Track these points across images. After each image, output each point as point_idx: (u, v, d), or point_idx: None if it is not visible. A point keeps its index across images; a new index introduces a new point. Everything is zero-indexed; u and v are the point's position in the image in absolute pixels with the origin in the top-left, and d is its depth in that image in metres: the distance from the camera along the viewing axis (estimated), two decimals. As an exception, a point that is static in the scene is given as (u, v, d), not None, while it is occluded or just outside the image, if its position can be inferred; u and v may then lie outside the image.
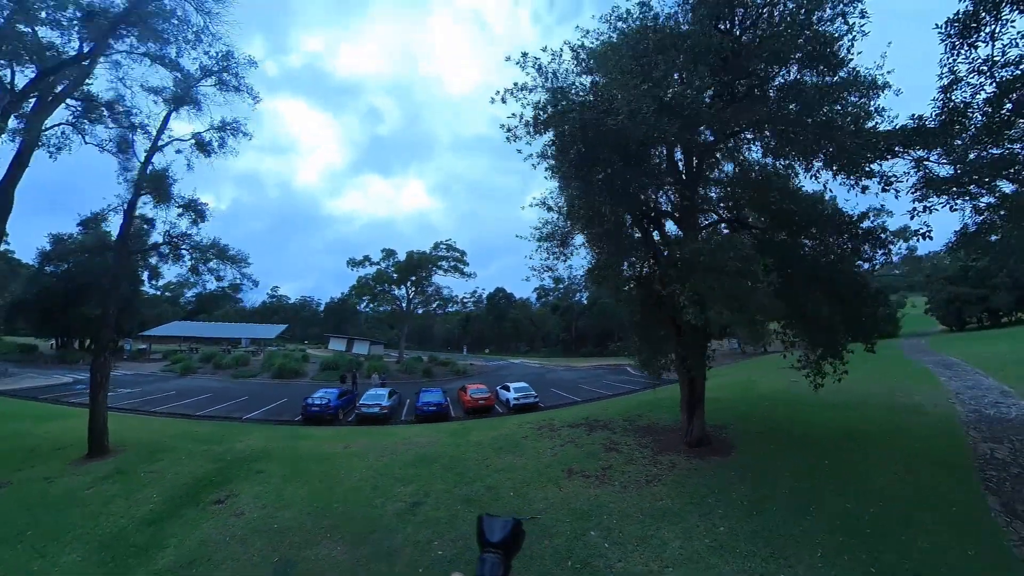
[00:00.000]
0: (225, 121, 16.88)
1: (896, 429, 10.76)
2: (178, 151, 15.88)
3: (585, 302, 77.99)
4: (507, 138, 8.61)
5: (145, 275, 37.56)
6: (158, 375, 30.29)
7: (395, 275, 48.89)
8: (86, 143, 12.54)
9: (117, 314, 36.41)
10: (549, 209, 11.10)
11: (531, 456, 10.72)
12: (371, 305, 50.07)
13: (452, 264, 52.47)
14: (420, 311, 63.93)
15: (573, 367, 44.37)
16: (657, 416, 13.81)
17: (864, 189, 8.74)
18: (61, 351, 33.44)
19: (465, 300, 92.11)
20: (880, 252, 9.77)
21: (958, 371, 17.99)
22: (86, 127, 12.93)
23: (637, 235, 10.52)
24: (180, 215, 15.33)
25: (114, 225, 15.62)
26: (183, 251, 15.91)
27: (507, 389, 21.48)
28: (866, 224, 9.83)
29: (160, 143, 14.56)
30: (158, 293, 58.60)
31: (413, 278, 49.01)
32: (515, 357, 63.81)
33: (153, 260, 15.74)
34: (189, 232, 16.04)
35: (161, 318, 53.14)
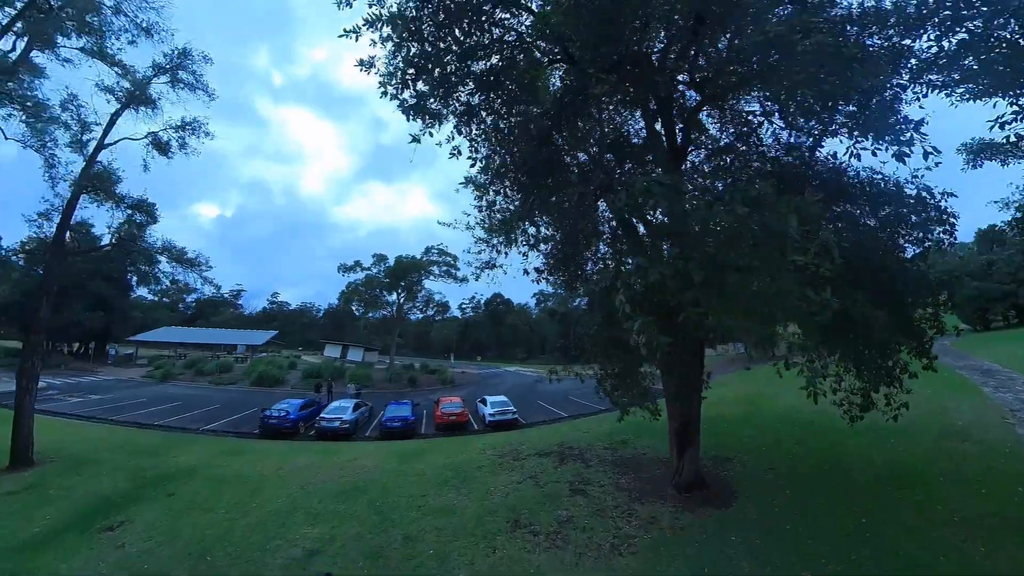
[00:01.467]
0: (185, 120, 16.51)
1: (952, 466, 8.36)
2: (154, 153, 15.40)
3: (584, 307, 76.73)
4: (381, 92, 6.56)
5: (133, 280, 37.38)
6: (137, 381, 29.88)
7: (386, 280, 48.36)
8: (7, 139, 11.96)
9: (101, 319, 36.06)
10: (479, 189, 9.17)
11: (477, 496, 9.02)
12: (364, 311, 49.36)
13: (444, 269, 51.83)
14: (415, 317, 63.53)
15: (568, 376, 43.13)
16: (645, 443, 11.91)
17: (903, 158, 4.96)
18: (44, 355, 33.33)
19: (464, 306, 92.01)
20: (940, 229, 6.90)
21: (1002, 379, 15.23)
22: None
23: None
24: (130, 216, 14.83)
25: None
26: (134, 255, 15.42)
27: (484, 403, 19.90)
28: (912, 190, 6.89)
29: (107, 142, 14.13)
30: (155, 298, 58.84)
31: (403, 283, 48.39)
32: (510, 364, 61.86)
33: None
34: (139, 234, 15.59)
35: (159, 323, 53.26)
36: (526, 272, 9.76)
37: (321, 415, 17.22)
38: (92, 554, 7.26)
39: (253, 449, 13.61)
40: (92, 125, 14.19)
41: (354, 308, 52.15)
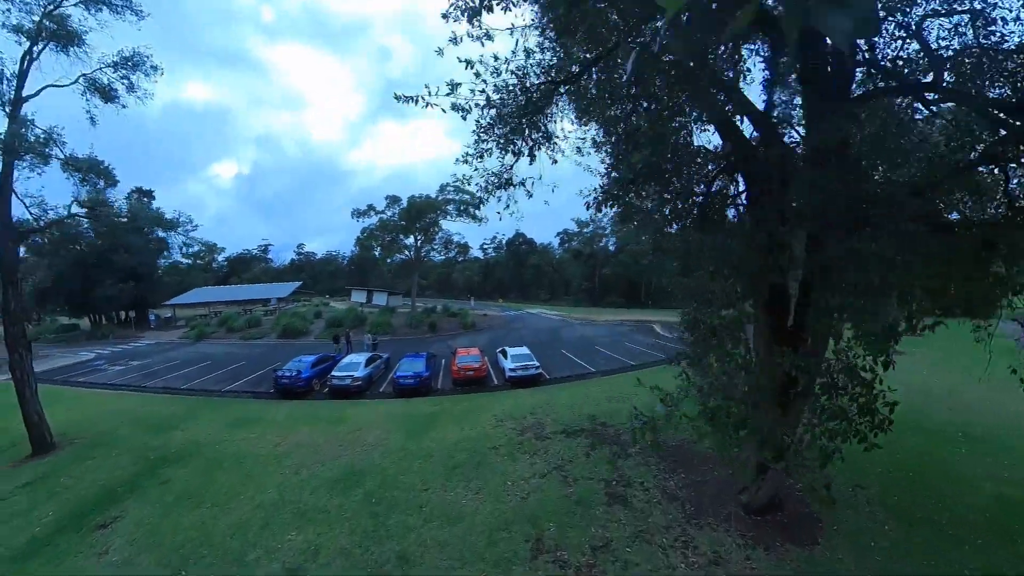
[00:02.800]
0: (124, 55, 13.86)
1: None
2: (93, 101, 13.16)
3: (612, 249, 72.74)
4: None
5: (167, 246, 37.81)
6: (175, 343, 31.22)
7: (402, 223, 46.43)
8: None
9: (133, 289, 37.20)
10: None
11: (491, 492, 7.60)
12: (381, 256, 48.53)
13: (462, 208, 48.97)
14: (437, 259, 62.50)
15: (594, 321, 39.77)
16: (700, 421, 10.00)
17: None
18: (93, 328, 35.47)
19: (485, 247, 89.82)
20: None
21: None
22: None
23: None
24: (83, 181, 13.16)
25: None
26: (104, 220, 14.10)
27: (505, 356, 18.32)
28: None
29: (27, 94, 11.96)
30: (189, 261, 60.64)
31: (419, 225, 46.35)
32: (533, 306, 60.16)
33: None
34: (103, 200, 14.08)
35: (195, 284, 55.38)
36: (598, 202, 6.25)
37: (333, 372, 16.55)
38: (78, 562, 6.79)
39: (260, 417, 13.19)
40: (11, 78, 12.03)
41: (376, 253, 51.36)
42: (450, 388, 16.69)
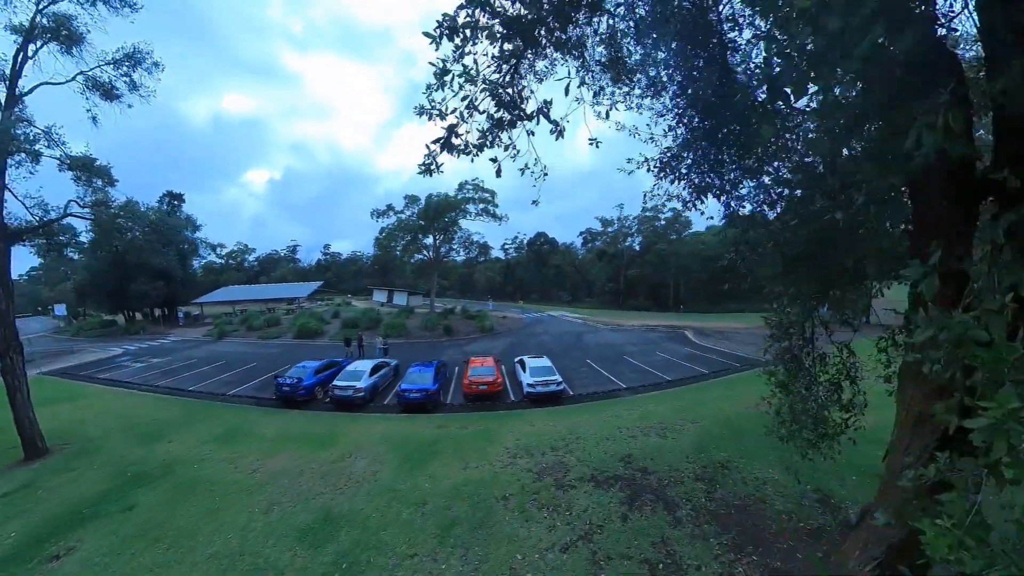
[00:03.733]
0: (124, 52, 13.60)
1: None
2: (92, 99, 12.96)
3: (637, 248, 69.73)
4: None
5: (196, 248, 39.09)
6: (198, 340, 31.93)
7: (421, 223, 45.96)
8: None
9: (164, 288, 38.68)
10: None
11: (495, 569, 5.98)
12: (401, 255, 48.32)
13: (481, 207, 48.01)
14: (458, 259, 61.94)
15: (620, 326, 37.02)
16: (757, 468, 8.37)
17: None
18: (128, 324, 37.17)
19: (507, 246, 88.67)
20: None
21: None
22: None
23: None
24: (78, 179, 12.96)
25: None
26: (105, 222, 13.88)
27: (523, 367, 16.42)
28: None
29: (20, 91, 11.78)
30: (221, 260, 63.10)
31: (437, 225, 45.73)
32: (555, 308, 57.96)
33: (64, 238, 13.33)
34: (105, 199, 13.88)
35: (227, 283, 57.48)
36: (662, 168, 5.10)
37: (335, 381, 15.55)
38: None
39: (250, 431, 12.41)
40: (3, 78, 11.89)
41: (396, 253, 51.30)
42: (460, 403, 15.17)
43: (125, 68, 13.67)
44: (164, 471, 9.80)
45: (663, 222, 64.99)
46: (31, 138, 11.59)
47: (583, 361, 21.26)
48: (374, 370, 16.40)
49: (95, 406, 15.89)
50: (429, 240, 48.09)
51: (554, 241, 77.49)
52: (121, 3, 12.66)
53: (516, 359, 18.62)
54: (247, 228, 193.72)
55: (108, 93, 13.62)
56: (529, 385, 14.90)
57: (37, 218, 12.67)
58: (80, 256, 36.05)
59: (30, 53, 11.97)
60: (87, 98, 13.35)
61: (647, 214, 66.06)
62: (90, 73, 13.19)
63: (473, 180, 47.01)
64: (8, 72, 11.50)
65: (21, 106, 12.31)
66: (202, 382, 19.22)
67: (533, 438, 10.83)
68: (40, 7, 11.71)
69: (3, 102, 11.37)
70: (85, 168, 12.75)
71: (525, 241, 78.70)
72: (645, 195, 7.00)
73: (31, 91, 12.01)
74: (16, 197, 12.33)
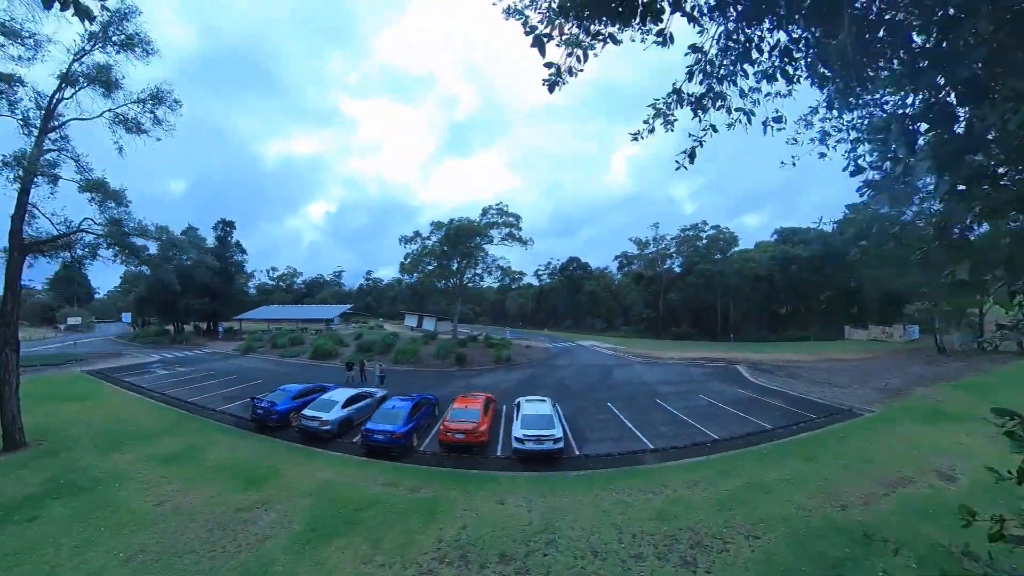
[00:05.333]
0: (150, 92, 15.49)
1: None
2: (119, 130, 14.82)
3: (677, 269, 65.78)
4: None
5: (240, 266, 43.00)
6: (227, 354, 34.17)
7: (444, 248, 46.95)
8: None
9: (209, 303, 42.41)
10: None
11: None
12: (421, 280, 49.41)
13: (506, 232, 48.27)
14: (489, 285, 62.12)
15: (657, 359, 31.87)
16: None
17: None
18: (175, 334, 41.22)
19: (540, 272, 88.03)
20: None
21: None
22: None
23: None
24: (91, 200, 14.54)
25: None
26: (128, 239, 15.35)
27: (517, 412, 13.66)
28: None
29: (53, 123, 13.66)
30: (273, 282, 68.94)
31: (460, 250, 46.42)
32: (586, 338, 54.35)
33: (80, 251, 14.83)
34: (121, 219, 15.40)
35: (273, 302, 62.23)
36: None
37: (303, 411, 14.47)
38: None
39: (197, 454, 12.03)
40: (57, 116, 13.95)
41: (411, 278, 52.60)
42: (435, 452, 12.68)
43: (150, 105, 15.49)
44: (91, 485, 9.80)
45: (704, 240, 60.92)
46: (51, 163, 13.27)
47: (604, 405, 17.63)
48: (350, 401, 15.24)
49: (97, 407, 17.01)
50: (454, 265, 48.92)
51: (586, 265, 75.50)
52: (143, 52, 14.46)
53: (516, 400, 15.70)
54: (305, 255, 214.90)
55: (136, 128, 15.43)
56: (518, 439, 11.86)
57: (53, 232, 14.27)
58: (148, 271, 41.03)
59: (67, 95, 13.98)
60: (114, 131, 15.20)
61: (687, 233, 62.50)
62: (118, 110, 15.06)
63: (497, 205, 47.68)
64: (44, 108, 13.38)
65: (60, 137, 14.36)
66: (202, 395, 20.04)
67: (486, 529, 8.07)
68: (76, 57, 13.69)
69: (36, 133, 13.17)
70: (99, 190, 14.33)
71: (558, 266, 77.57)
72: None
73: (62, 125, 13.89)
74: (43, 215, 14.11)
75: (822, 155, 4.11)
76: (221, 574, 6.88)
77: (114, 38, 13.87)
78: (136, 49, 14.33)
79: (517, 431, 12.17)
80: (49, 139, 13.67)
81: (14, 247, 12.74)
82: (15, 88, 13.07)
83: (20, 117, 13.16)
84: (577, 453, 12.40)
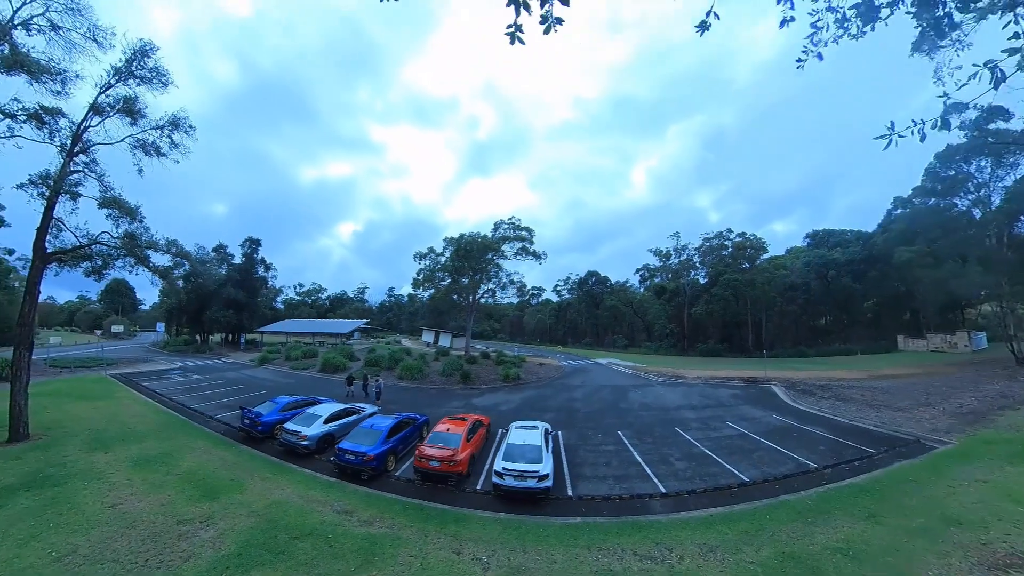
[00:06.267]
0: (170, 118, 17.10)
1: None
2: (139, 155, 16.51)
3: (702, 281, 63.00)
4: None
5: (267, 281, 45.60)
6: (243, 365, 35.74)
7: (456, 264, 47.57)
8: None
9: (233, 316, 44.82)
10: None
11: None
12: (432, 296, 50.11)
13: (519, 247, 48.41)
14: (506, 301, 62.21)
15: (681, 378, 29.22)
16: None
17: None
18: (201, 344, 43.83)
19: (559, 288, 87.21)
20: None
21: None
22: None
23: None
24: (108, 216, 15.97)
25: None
26: (138, 250, 16.68)
27: (502, 441, 12.55)
28: None
29: (78, 147, 15.27)
30: (299, 297, 72.27)
31: (470, 265, 46.91)
32: (604, 355, 52.48)
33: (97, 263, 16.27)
34: (136, 233, 16.78)
35: (302, 316, 64.99)
36: None
37: (285, 424, 14.23)
38: None
39: (172, 460, 12.12)
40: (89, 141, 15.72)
41: (425, 293, 53.43)
42: (410, 479, 11.56)
43: (168, 131, 17.07)
44: (64, 479, 10.32)
45: (730, 248, 57.33)
46: (74, 183, 14.80)
47: (613, 433, 15.58)
48: (333, 417, 14.82)
49: (104, 407, 18.11)
50: (465, 280, 49.36)
51: (606, 279, 73.87)
52: (159, 84, 16.05)
53: (509, 425, 14.58)
54: (334, 271, 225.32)
55: (155, 151, 17.00)
56: (497, 473, 10.37)
57: (74, 243, 15.72)
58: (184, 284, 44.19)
59: (94, 123, 15.68)
60: (135, 155, 16.79)
61: (711, 241, 59.60)
62: (139, 136, 16.67)
63: (510, 219, 48.02)
64: (72, 134, 15.05)
65: (91, 161, 16.01)
66: (205, 402, 20.87)
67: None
68: (102, 90, 15.40)
69: (64, 155, 14.79)
70: (115, 206, 15.76)
71: (576, 281, 76.55)
72: None
73: (86, 149, 15.51)
74: (68, 228, 15.63)
75: None
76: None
77: (137, 73, 15.53)
78: (153, 82, 15.96)
79: (499, 463, 10.67)
80: (75, 161, 15.31)
81: (36, 256, 14.13)
82: (57, 120, 14.87)
83: (58, 144, 14.92)
84: (569, 493, 10.56)
